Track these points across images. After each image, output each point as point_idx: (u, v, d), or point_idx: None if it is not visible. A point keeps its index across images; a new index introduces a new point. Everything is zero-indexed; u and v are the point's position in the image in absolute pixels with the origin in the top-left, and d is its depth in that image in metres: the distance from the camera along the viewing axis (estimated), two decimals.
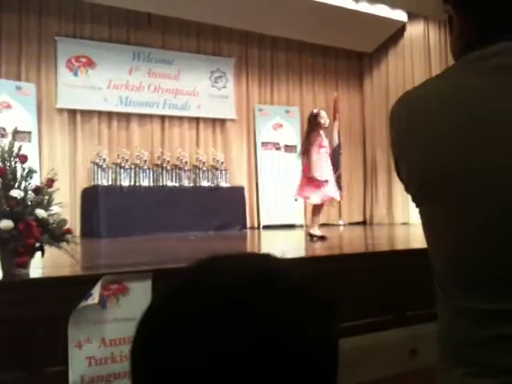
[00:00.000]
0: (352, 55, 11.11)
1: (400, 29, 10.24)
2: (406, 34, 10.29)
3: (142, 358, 0.56)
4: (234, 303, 0.54)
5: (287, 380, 0.53)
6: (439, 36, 9.83)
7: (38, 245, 2.70)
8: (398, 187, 10.06)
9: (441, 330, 0.90)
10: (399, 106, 0.93)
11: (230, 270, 0.58)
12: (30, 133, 7.83)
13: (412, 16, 10.06)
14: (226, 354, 0.52)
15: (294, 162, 10.32)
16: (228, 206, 8.71)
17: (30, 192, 2.75)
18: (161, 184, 8.65)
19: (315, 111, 6.29)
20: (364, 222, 10.91)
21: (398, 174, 0.94)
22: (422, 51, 10.00)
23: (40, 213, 2.66)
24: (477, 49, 0.85)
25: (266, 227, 9.62)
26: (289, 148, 10.26)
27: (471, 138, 0.81)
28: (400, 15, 9.98)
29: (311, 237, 5.91)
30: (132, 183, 8.41)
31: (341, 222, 10.48)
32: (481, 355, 0.81)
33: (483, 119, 0.80)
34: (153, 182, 8.62)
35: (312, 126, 6.13)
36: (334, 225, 10.19)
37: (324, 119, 6.12)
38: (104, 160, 8.35)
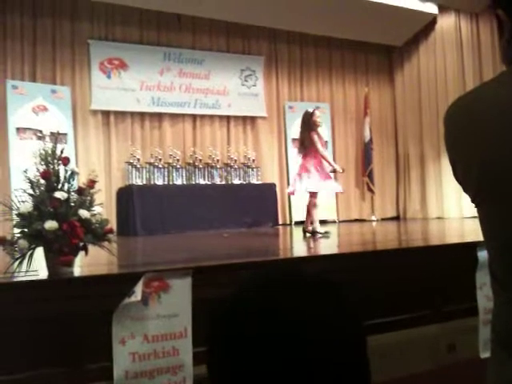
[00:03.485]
0: (382, 50, 11.01)
1: (431, 22, 10.08)
2: (437, 26, 10.12)
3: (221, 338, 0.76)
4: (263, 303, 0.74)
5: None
6: (471, 29, 9.65)
7: (81, 244, 2.78)
8: (432, 181, 9.98)
9: (496, 322, 0.93)
10: (454, 111, 0.95)
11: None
12: (65, 135, 7.99)
13: (443, 8, 9.89)
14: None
15: None
16: (260, 203, 8.76)
17: (72, 193, 2.84)
18: (193, 182, 8.76)
19: (310, 110, 6.53)
20: (397, 218, 10.83)
21: (455, 176, 0.96)
22: (453, 44, 9.83)
23: (83, 213, 2.74)
24: None
25: (298, 223, 9.62)
26: None
27: None
28: (430, 8, 9.81)
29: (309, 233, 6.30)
30: (165, 182, 8.56)
31: (373, 218, 10.43)
32: None
33: None
34: (186, 180, 8.74)
35: (308, 125, 6.36)
36: (366, 220, 10.16)
37: (320, 118, 6.46)
38: (138, 160, 8.50)
